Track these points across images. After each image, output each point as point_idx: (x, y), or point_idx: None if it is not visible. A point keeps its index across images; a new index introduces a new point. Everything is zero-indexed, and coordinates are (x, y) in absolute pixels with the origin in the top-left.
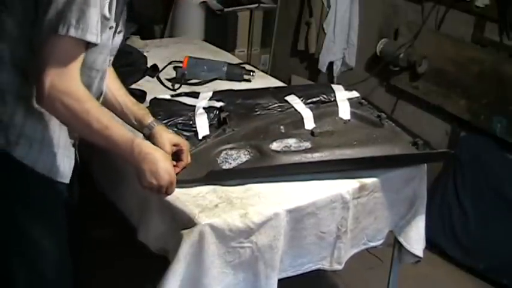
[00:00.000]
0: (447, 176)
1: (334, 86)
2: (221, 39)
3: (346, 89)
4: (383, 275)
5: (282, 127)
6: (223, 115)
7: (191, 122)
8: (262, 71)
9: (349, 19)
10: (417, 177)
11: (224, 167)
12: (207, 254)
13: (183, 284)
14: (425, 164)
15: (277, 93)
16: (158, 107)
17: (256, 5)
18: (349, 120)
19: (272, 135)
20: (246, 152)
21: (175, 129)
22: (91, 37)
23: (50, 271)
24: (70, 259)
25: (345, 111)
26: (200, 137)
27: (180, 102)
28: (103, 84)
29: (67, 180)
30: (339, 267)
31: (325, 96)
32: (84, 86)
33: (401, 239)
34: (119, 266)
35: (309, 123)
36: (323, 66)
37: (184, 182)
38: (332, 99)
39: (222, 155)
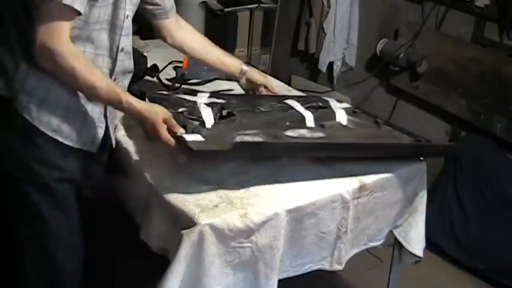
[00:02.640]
0: (447, 176)
1: (326, 98)
2: (221, 39)
3: (337, 101)
4: (383, 275)
5: (287, 123)
6: (226, 110)
7: (195, 112)
8: (263, 71)
9: (349, 19)
10: (417, 177)
11: None
12: (207, 254)
13: (183, 284)
14: (425, 164)
15: (276, 98)
16: (159, 100)
17: (256, 5)
18: (346, 126)
19: (282, 127)
20: (261, 138)
21: (182, 117)
22: (70, 1)
23: (55, 248)
24: (82, 242)
25: (342, 118)
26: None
27: (180, 98)
28: (118, 62)
29: (76, 145)
30: (339, 267)
31: (321, 104)
32: (91, 61)
33: (401, 239)
34: (118, 265)
35: (311, 124)
36: (323, 66)
37: (210, 152)
38: (328, 106)
39: (237, 139)
